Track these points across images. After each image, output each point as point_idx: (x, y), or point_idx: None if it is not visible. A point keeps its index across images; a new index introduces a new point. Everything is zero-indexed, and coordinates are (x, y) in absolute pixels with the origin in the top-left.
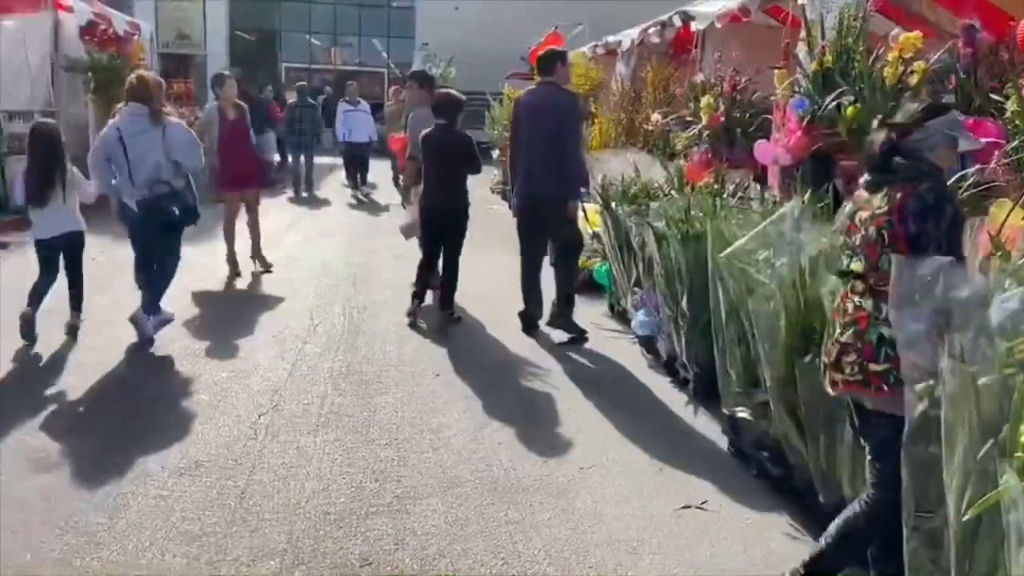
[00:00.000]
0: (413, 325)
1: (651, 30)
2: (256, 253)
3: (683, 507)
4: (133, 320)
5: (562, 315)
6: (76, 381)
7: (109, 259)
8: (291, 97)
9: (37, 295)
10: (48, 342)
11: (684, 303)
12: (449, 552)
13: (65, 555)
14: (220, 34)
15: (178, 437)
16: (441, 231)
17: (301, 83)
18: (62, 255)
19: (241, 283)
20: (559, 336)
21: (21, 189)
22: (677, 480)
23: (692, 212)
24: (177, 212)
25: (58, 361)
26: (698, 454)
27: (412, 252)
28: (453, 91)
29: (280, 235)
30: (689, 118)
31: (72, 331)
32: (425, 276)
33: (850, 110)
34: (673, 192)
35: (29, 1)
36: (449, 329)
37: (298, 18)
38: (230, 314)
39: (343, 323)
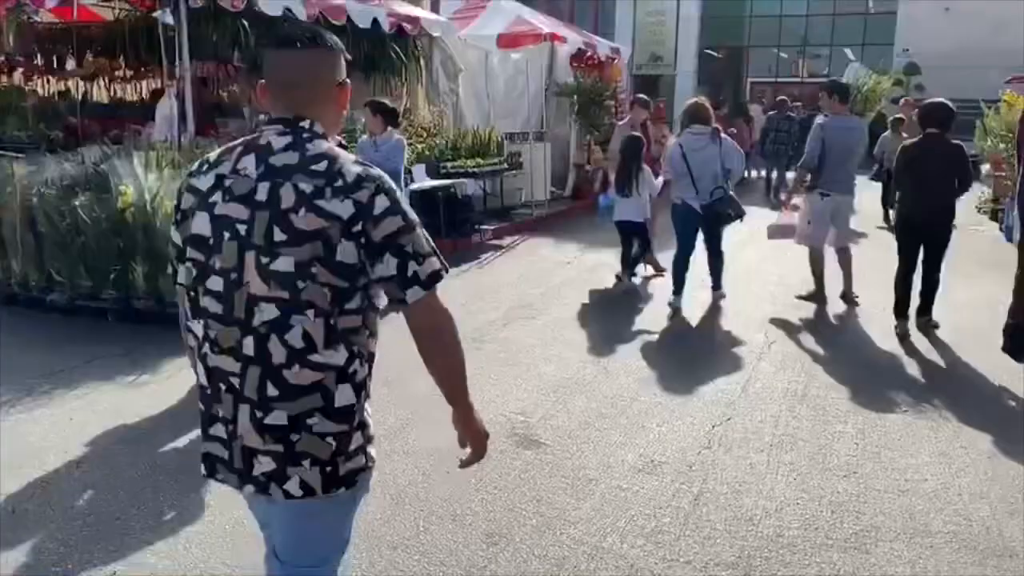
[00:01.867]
0: (904, 336)
1: None
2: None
3: None
4: (716, 297)
5: None
6: (543, 373)
7: (578, 263)
8: (754, 112)
9: (629, 263)
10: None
11: None
12: None
13: (538, 526)
14: (690, 53)
15: (637, 435)
16: (922, 243)
17: (781, 97)
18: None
19: (693, 294)
20: None
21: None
22: None
23: None
24: (731, 212)
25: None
26: None
27: (884, 274)
28: (944, 100)
29: (739, 248)
30: None
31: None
32: (904, 291)
33: None
34: None
35: (534, 36)
36: (927, 354)
37: (767, 32)
38: (685, 323)
39: (801, 342)
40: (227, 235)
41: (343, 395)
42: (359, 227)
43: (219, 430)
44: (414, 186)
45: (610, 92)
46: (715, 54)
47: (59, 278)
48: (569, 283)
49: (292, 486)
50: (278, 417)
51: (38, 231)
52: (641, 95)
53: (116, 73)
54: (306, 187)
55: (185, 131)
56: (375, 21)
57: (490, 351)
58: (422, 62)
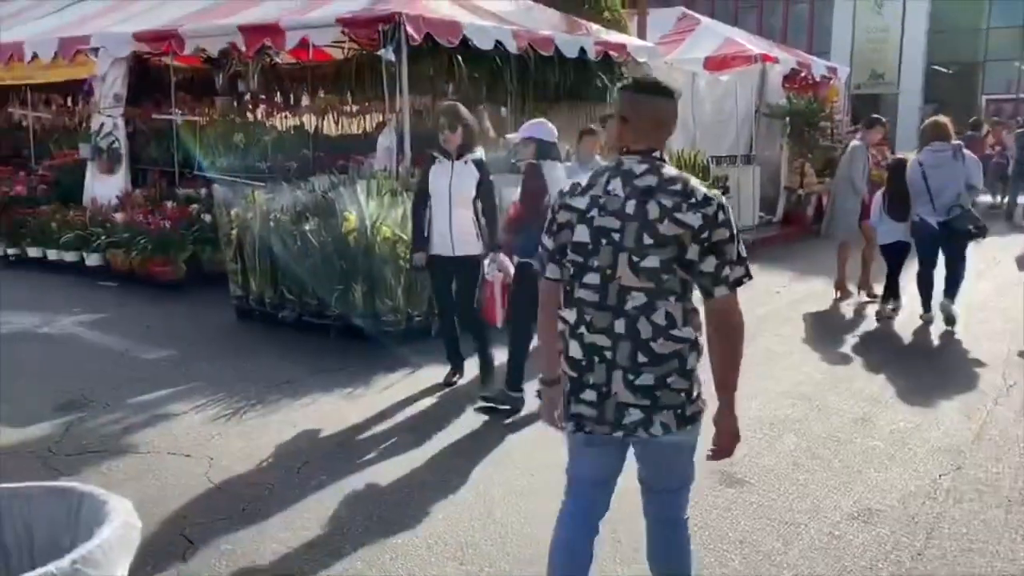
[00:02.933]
0: None
1: None
2: (863, 282)
3: None
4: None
5: None
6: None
7: (788, 293)
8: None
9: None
10: None
11: None
12: None
13: (742, 569)
14: (915, 70)
15: (852, 480)
16: None
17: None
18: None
19: (918, 327)
20: None
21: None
22: None
23: None
24: (972, 228)
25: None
26: None
27: None
28: None
29: (973, 279)
30: None
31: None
32: None
33: None
34: None
35: (744, 57)
36: None
37: (1007, 44)
38: (910, 360)
39: None
40: (604, 241)
41: (691, 360)
42: (705, 234)
43: (590, 394)
44: None
45: (826, 113)
46: (944, 70)
47: (289, 296)
48: (777, 313)
49: (656, 429)
50: (647, 379)
51: (273, 253)
52: (876, 116)
53: (344, 108)
54: (667, 203)
55: (403, 161)
56: (582, 50)
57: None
58: None
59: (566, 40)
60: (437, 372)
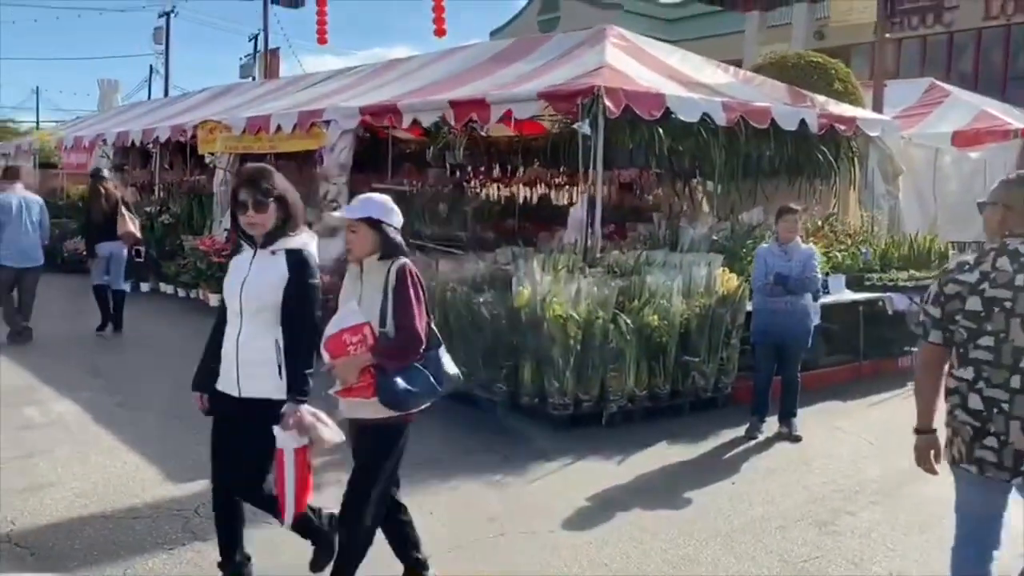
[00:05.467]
0: None
1: None
2: None
3: None
4: None
5: None
6: None
7: None
8: None
9: None
10: None
11: None
12: None
13: None
14: None
15: None
16: None
17: None
18: None
19: None
20: None
21: None
22: None
23: None
24: None
25: None
26: None
27: None
28: None
29: None
30: None
31: None
32: None
33: None
34: None
35: (1001, 132)
36: None
37: None
38: None
39: None
40: (996, 309)
41: None
42: None
43: (991, 441)
44: (828, 299)
45: None
46: None
47: (461, 368)
48: None
49: None
50: None
51: (448, 321)
52: None
53: (552, 180)
54: None
55: (592, 234)
56: (802, 122)
57: (896, 508)
58: (856, 163)
59: (785, 112)
60: (595, 466)
